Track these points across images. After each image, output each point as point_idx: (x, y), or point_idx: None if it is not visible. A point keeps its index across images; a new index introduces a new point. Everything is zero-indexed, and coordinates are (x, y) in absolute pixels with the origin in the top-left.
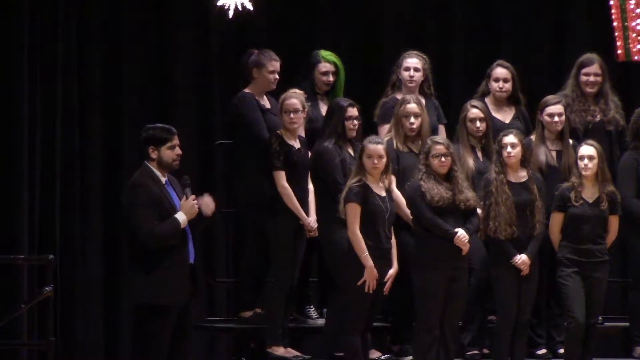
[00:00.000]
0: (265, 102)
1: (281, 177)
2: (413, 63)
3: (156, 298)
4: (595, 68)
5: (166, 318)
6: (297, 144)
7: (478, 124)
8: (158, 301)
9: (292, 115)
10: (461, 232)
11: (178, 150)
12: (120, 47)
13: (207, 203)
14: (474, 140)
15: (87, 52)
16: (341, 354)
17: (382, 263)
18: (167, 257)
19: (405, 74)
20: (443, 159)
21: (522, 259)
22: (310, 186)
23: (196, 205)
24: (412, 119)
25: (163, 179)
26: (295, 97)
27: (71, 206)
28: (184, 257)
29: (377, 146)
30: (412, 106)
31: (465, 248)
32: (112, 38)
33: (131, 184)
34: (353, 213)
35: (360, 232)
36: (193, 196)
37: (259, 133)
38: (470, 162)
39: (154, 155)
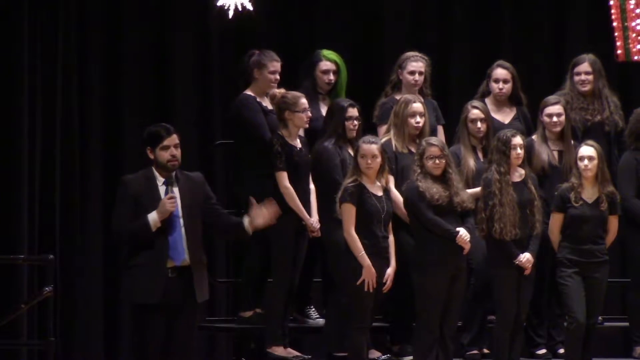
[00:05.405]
0: (267, 104)
1: (283, 178)
2: (418, 67)
3: (131, 296)
4: (585, 66)
5: (146, 316)
6: (298, 144)
7: (479, 124)
8: (133, 299)
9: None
10: (463, 232)
11: (173, 151)
12: (120, 47)
13: (258, 214)
14: (475, 141)
15: (87, 52)
16: (341, 354)
17: (380, 262)
18: (140, 255)
19: (410, 78)
20: (437, 160)
21: (526, 257)
22: (312, 186)
23: (168, 204)
24: (418, 118)
25: (161, 179)
26: (304, 97)
27: (71, 206)
28: (160, 256)
29: (370, 146)
30: (418, 105)
31: (467, 247)
32: (112, 38)
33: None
34: (348, 213)
35: (357, 231)
36: (170, 195)
37: (263, 135)
38: (471, 162)
39: (151, 156)
